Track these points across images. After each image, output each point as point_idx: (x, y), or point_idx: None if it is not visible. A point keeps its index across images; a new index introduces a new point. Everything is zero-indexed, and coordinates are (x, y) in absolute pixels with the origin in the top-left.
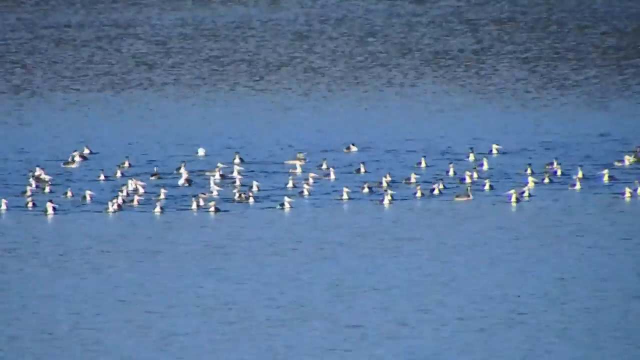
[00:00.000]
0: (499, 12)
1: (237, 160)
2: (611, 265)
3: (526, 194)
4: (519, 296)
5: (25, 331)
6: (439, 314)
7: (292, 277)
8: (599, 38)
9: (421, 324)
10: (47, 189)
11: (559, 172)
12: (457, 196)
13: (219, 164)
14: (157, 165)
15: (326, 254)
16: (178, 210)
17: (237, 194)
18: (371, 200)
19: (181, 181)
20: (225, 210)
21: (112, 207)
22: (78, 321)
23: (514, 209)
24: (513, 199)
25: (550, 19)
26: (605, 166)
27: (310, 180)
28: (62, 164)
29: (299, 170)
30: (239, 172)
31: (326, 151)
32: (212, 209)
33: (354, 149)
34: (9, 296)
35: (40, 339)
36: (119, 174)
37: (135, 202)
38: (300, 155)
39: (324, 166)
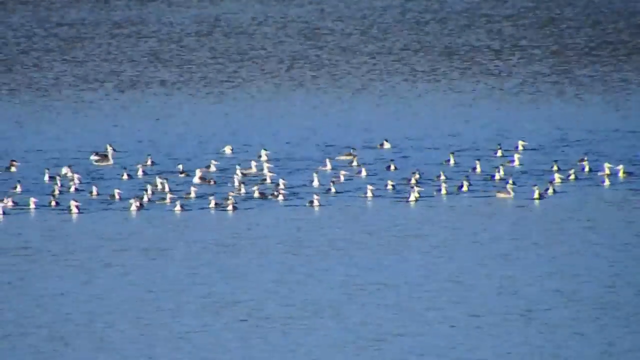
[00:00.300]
0: (517, 8)
1: (264, 158)
2: (626, 262)
3: (550, 190)
4: (531, 293)
5: (34, 329)
6: (451, 311)
7: (304, 275)
8: (618, 33)
9: (432, 321)
10: (72, 188)
11: (586, 169)
12: (498, 192)
13: (253, 162)
14: (182, 163)
15: (342, 252)
16: (200, 208)
17: (257, 192)
18: (397, 198)
19: (195, 179)
20: (244, 208)
21: (134, 205)
22: (89, 319)
23: (536, 206)
24: (536, 195)
25: (568, 14)
26: (622, 161)
27: (342, 178)
28: (94, 161)
29: (328, 167)
30: (269, 170)
31: (349, 147)
32: (230, 207)
33: (387, 145)
34: (20, 294)
35: (50, 337)
36: (140, 173)
37: (167, 200)
38: (353, 152)
39: (355, 163)
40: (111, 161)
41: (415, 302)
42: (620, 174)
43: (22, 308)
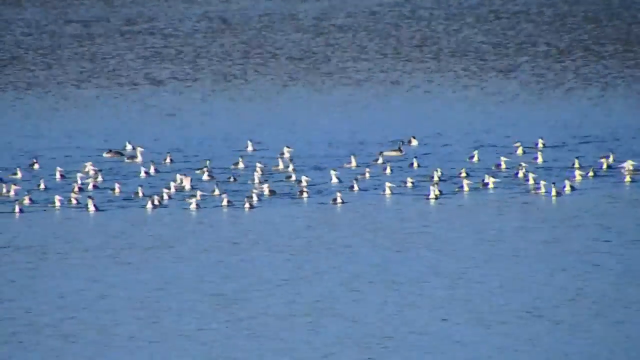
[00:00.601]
0: (533, 5)
1: (286, 155)
2: (636, 260)
3: (568, 188)
4: (539, 290)
5: (43, 327)
6: (458, 309)
7: (313, 273)
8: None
9: (439, 319)
10: (90, 186)
11: (604, 166)
12: (533, 189)
13: (280, 159)
14: (209, 159)
15: (353, 250)
16: (216, 206)
17: (267, 190)
18: (418, 196)
19: (205, 177)
20: (262, 206)
21: (149, 203)
22: (97, 317)
23: (554, 203)
24: (553, 192)
25: (590, 10)
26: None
27: (367, 175)
28: (126, 158)
29: (353, 164)
30: (294, 169)
31: (356, 145)
32: (247, 205)
33: (414, 142)
34: (29, 292)
35: (57, 334)
36: (152, 170)
37: (198, 197)
38: (401, 146)
39: (380, 160)
40: (140, 158)
41: (422, 300)
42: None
43: (31, 305)
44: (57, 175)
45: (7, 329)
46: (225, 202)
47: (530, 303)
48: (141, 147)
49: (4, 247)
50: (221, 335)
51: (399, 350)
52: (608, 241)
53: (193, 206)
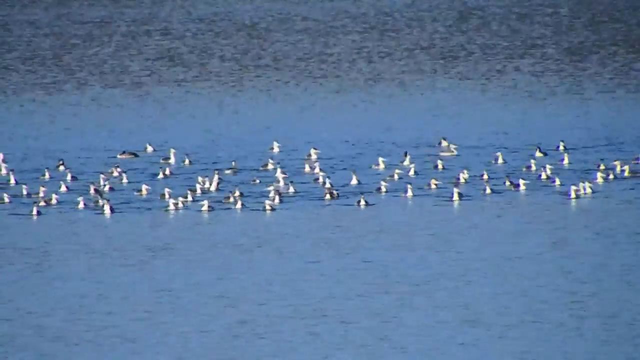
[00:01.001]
0: (547, 6)
1: (313, 157)
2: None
3: (588, 190)
4: (541, 294)
5: (43, 330)
6: (459, 313)
7: (313, 275)
8: None
9: (439, 323)
10: (106, 187)
11: (618, 169)
12: (570, 191)
13: (307, 162)
14: (234, 160)
15: (360, 251)
16: (227, 208)
17: (273, 192)
18: (442, 198)
19: (215, 178)
20: (281, 209)
21: (172, 205)
22: (93, 319)
23: (573, 206)
24: (572, 195)
25: (609, 10)
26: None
27: (396, 177)
28: (160, 159)
29: (381, 166)
30: (322, 170)
31: (382, 147)
32: (268, 207)
33: (444, 143)
34: (30, 294)
35: (59, 337)
36: (167, 172)
37: (231, 199)
38: (453, 147)
39: (407, 162)
40: (173, 159)
41: (425, 302)
42: (626, 174)
43: (33, 307)
44: (68, 177)
45: (9, 331)
46: (239, 205)
47: (532, 306)
48: (174, 148)
49: (13, 248)
50: (222, 336)
51: (400, 352)
52: (617, 243)
53: (205, 208)
